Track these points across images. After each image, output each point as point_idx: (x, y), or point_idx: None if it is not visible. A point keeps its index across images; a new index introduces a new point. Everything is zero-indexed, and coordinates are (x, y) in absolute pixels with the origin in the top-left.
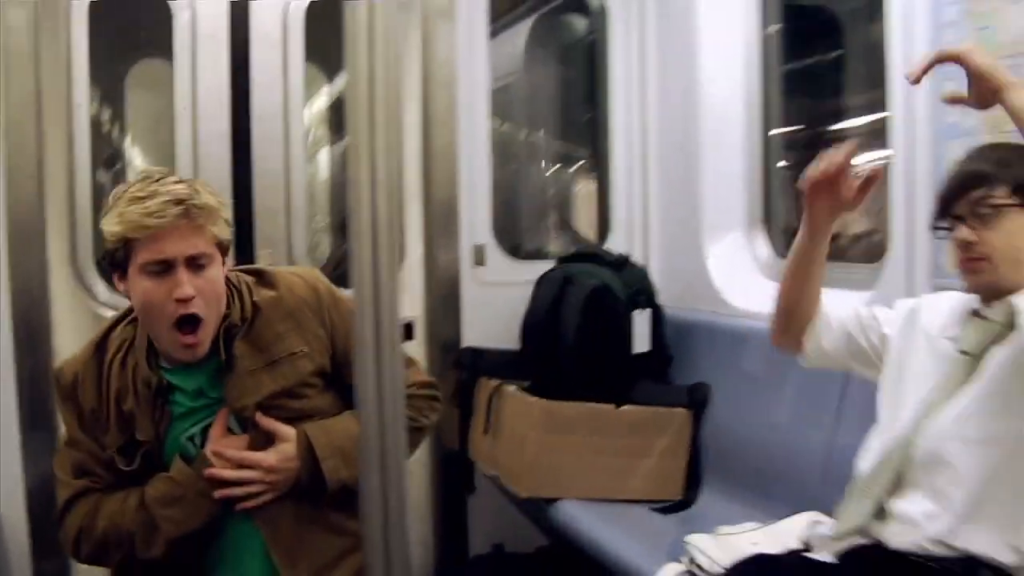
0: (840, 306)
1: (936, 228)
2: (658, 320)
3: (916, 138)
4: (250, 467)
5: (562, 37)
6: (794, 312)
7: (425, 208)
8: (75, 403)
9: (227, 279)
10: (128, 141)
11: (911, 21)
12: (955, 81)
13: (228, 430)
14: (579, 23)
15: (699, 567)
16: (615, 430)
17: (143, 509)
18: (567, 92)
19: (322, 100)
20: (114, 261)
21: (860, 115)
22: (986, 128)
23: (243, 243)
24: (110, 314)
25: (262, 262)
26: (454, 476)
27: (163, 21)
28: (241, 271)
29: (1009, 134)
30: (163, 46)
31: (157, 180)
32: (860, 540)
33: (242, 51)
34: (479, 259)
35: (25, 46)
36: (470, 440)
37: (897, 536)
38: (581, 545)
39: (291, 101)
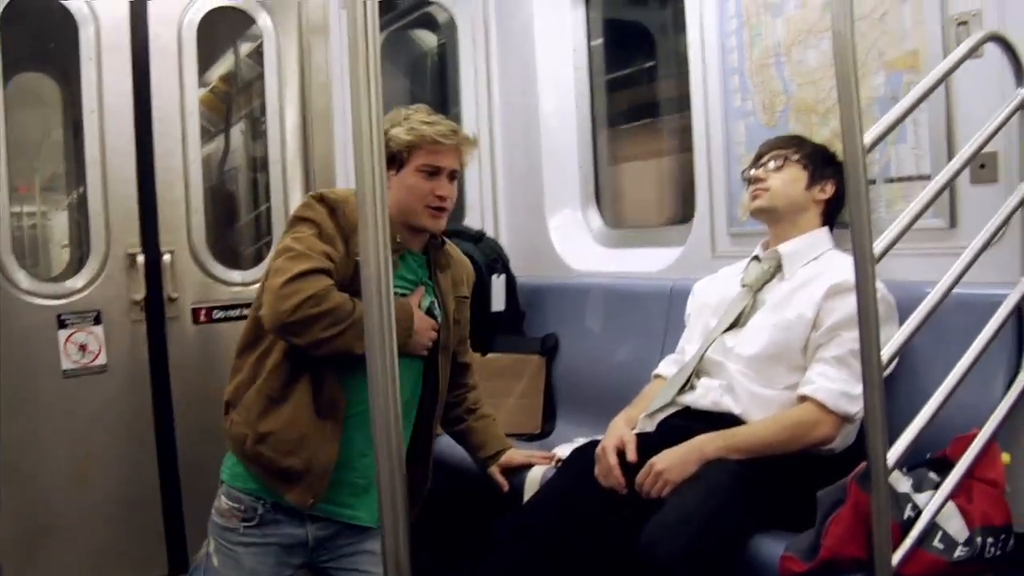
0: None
1: (746, 175)
2: (512, 283)
3: (710, 118)
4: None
5: (412, 50)
6: None
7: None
8: (337, 219)
9: None
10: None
11: (705, 29)
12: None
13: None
14: (427, 38)
15: (561, 461)
16: (482, 375)
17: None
18: (417, 100)
19: None
20: (392, 159)
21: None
22: (762, 110)
23: (149, 232)
24: (30, 300)
25: None
26: None
27: (67, 33)
28: None
29: (779, 112)
30: (44, 60)
31: (429, 113)
32: (671, 410)
33: (143, 58)
34: None
35: None
36: None
37: (700, 398)
38: (462, 468)
39: (187, 104)
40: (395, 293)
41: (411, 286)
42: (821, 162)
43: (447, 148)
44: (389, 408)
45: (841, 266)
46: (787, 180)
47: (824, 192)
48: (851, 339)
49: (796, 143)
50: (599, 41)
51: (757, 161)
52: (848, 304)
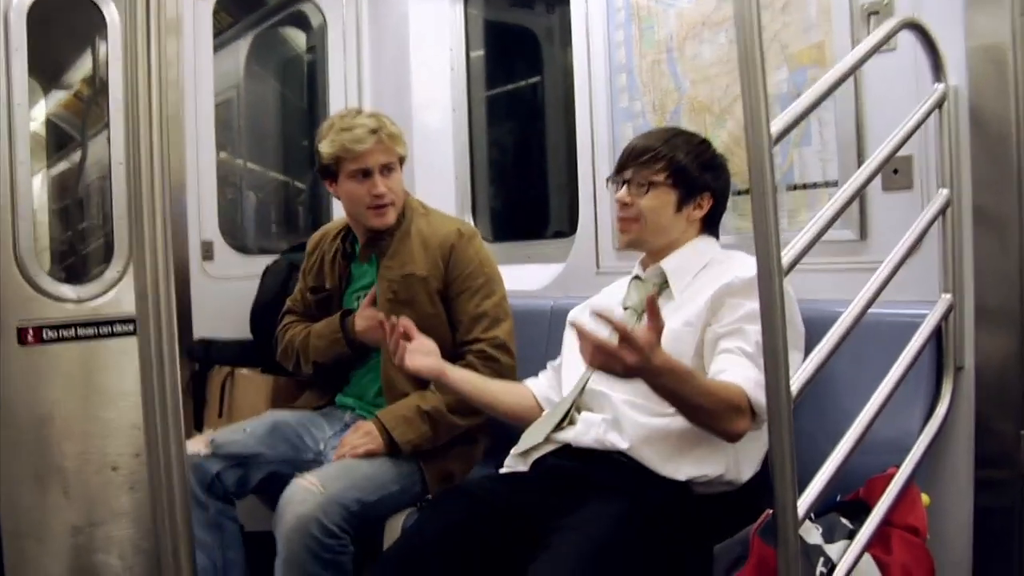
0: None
1: (608, 185)
2: None
3: (595, 121)
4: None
5: (282, 52)
6: None
7: None
8: (306, 258)
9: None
10: None
11: (590, 21)
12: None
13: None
14: (298, 38)
15: None
16: None
17: (307, 336)
18: (287, 103)
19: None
20: (327, 172)
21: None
22: (652, 110)
23: None
24: None
25: None
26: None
27: None
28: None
29: (670, 112)
30: None
31: (355, 115)
32: (548, 448)
33: None
34: (207, 254)
35: None
36: (205, 426)
37: (582, 435)
38: None
39: (15, 99)
40: (357, 295)
41: (368, 290)
42: (695, 173)
43: (368, 149)
44: (168, 415)
45: (734, 263)
46: (655, 206)
47: (700, 208)
48: (756, 331)
49: (663, 143)
50: (479, 45)
51: (621, 171)
52: (750, 300)
